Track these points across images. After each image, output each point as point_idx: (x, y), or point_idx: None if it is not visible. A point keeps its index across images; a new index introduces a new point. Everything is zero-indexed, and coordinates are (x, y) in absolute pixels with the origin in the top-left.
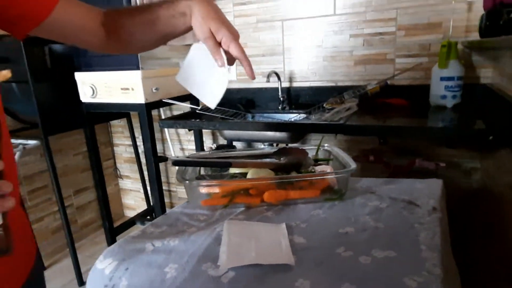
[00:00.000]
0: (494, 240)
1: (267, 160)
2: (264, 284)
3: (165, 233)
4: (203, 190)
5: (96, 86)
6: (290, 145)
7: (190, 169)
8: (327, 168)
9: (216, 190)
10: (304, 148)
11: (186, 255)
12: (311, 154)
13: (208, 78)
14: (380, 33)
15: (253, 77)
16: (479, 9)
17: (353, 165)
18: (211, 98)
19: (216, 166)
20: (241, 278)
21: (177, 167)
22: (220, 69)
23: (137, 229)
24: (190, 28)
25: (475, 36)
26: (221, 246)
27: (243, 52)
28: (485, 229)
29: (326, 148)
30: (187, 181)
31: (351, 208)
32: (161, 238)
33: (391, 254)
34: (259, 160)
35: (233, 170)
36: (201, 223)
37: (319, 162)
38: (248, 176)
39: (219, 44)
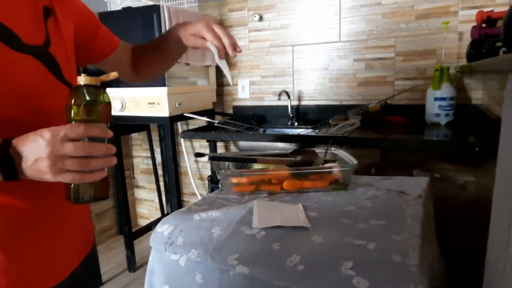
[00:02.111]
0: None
1: (285, 158)
2: (287, 239)
3: (207, 209)
4: (235, 180)
5: (125, 100)
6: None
7: (221, 163)
8: (333, 165)
9: (245, 179)
10: (314, 150)
11: (227, 221)
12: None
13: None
14: (381, 58)
15: (232, 53)
16: (469, 38)
17: (355, 161)
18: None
19: (244, 162)
20: (270, 235)
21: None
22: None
23: None
24: (186, 48)
25: (465, 62)
26: (253, 215)
27: (213, 34)
28: (479, 239)
29: (332, 151)
30: (222, 171)
31: (353, 195)
32: (204, 211)
33: (383, 223)
34: (278, 158)
35: (256, 166)
36: (234, 203)
37: (327, 162)
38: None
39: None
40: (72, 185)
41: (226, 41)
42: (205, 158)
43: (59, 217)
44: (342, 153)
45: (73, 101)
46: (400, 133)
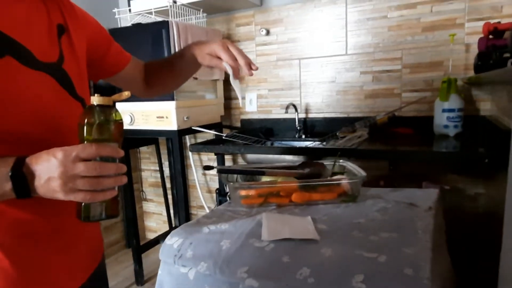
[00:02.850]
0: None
1: (293, 170)
2: (297, 251)
3: (216, 221)
4: (243, 192)
5: (134, 115)
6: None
7: (229, 176)
8: (341, 178)
9: (253, 192)
10: (322, 162)
11: (236, 233)
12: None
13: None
14: (387, 71)
15: (249, 73)
16: (476, 50)
17: (363, 173)
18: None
19: (252, 174)
20: (279, 248)
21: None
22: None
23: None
24: (199, 66)
25: (473, 73)
26: (262, 227)
27: (229, 55)
28: (491, 252)
29: (341, 163)
30: (231, 183)
31: (362, 207)
32: (213, 224)
33: (394, 235)
34: (286, 170)
35: (265, 178)
36: (243, 216)
37: (335, 174)
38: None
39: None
40: (82, 204)
41: (241, 61)
42: (214, 171)
43: (70, 232)
44: (350, 165)
45: (86, 120)
46: (409, 145)
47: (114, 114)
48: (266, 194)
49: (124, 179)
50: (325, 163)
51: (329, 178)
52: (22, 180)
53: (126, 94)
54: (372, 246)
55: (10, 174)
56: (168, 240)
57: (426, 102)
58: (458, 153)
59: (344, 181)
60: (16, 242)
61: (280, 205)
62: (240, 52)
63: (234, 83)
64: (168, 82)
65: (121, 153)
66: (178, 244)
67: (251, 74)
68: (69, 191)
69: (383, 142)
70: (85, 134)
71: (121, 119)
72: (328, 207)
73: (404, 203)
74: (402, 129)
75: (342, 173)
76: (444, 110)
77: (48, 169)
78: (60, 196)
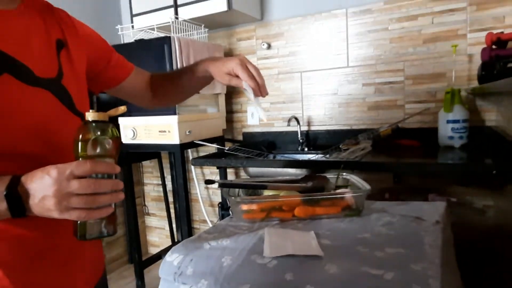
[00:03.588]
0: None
1: (296, 184)
2: (300, 268)
3: (217, 237)
4: (245, 207)
5: (136, 129)
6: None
7: (231, 190)
8: (345, 191)
9: (255, 206)
10: (325, 175)
11: (238, 250)
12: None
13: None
14: (390, 82)
15: (262, 95)
16: (478, 61)
17: (368, 186)
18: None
19: (254, 188)
20: (282, 265)
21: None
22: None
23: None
24: (210, 81)
25: (476, 83)
26: (264, 243)
27: (246, 73)
28: (501, 267)
29: (344, 176)
30: (233, 198)
31: (367, 222)
32: (215, 239)
33: (401, 251)
34: (289, 184)
35: (267, 192)
36: (245, 231)
37: (338, 187)
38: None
39: (238, 79)
40: (78, 222)
41: (260, 81)
42: (216, 185)
43: (70, 249)
44: (354, 178)
45: (80, 136)
46: (414, 157)
47: (110, 130)
48: (269, 209)
49: (121, 196)
50: (328, 176)
51: (332, 191)
52: (17, 199)
53: (122, 109)
54: (378, 263)
55: (5, 193)
56: (168, 257)
57: (430, 114)
58: (465, 165)
59: (348, 194)
60: (15, 259)
61: (282, 220)
62: (258, 71)
63: (256, 101)
64: (175, 94)
65: (117, 169)
66: (179, 261)
67: (264, 96)
68: (64, 209)
69: (387, 154)
70: (80, 151)
71: (117, 135)
72: (332, 222)
73: (410, 217)
74: (406, 141)
75: (345, 186)
76: (448, 121)
77: (42, 188)
78: (55, 214)
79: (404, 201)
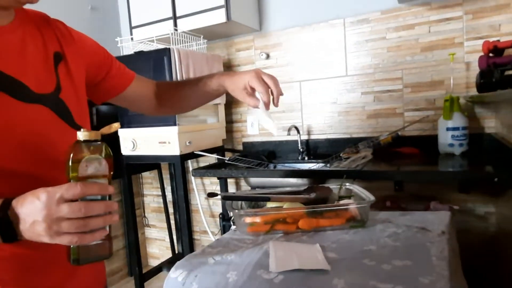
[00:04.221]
0: None
1: (299, 195)
2: (307, 283)
3: (221, 251)
4: (249, 220)
5: (136, 140)
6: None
7: (234, 202)
8: (349, 202)
9: (259, 219)
10: (328, 186)
11: (243, 264)
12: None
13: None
14: (389, 91)
15: (275, 105)
16: (476, 68)
17: (372, 197)
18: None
19: (257, 200)
20: (289, 280)
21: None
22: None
23: (164, 275)
24: (221, 95)
25: (475, 91)
26: (269, 258)
27: (262, 85)
28: (503, 273)
29: (347, 186)
30: (236, 211)
31: (372, 233)
32: (219, 254)
33: (408, 263)
34: (292, 195)
35: (270, 204)
36: (249, 244)
37: (342, 198)
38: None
39: (253, 96)
40: (71, 246)
41: (275, 93)
42: (218, 196)
43: (69, 264)
44: (357, 188)
45: (71, 156)
46: (415, 165)
47: (102, 149)
48: (273, 221)
49: (115, 218)
50: (331, 186)
51: (336, 203)
52: (8, 224)
53: (116, 126)
54: (386, 276)
55: None
56: (172, 273)
57: (429, 121)
58: (467, 172)
59: (352, 205)
60: (15, 276)
61: (287, 232)
62: (275, 81)
63: (266, 114)
64: (184, 104)
65: (111, 190)
66: (183, 277)
67: (277, 106)
68: (54, 234)
69: (388, 163)
70: (71, 172)
71: (111, 154)
72: (337, 233)
73: (415, 228)
74: (406, 149)
75: (349, 197)
76: (448, 129)
77: (32, 212)
78: (46, 239)
79: (405, 208)
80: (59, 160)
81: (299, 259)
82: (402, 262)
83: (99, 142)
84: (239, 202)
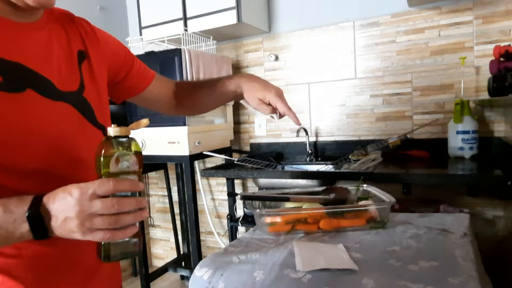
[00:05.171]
0: None
1: (318, 196)
2: (336, 282)
3: (244, 251)
4: (269, 219)
5: (145, 140)
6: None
7: (253, 202)
8: (369, 203)
9: (280, 219)
10: (346, 187)
11: (269, 264)
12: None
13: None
14: (398, 94)
15: (298, 123)
16: (486, 72)
17: (392, 199)
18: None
19: (277, 200)
20: (317, 279)
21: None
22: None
23: (169, 276)
24: (239, 98)
25: (485, 95)
26: (295, 257)
27: (286, 106)
28: None
29: (365, 188)
30: (257, 210)
31: (394, 234)
32: (243, 253)
33: (434, 264)
34: (311, 196)
35: (289, 205)
36: (271, 244)
37: (360, 199)
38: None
39: (269, 105)
40: (102, 243)
41: (293, 114)
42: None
43: (89, 266)
44: (375, 189)
45: (103, 153)
46: (425, 167)
47: (132, 145)
48: (293, 221)
49: (145, 214)
50: (348, 187)
51: (355, 203)
52: (40, 221)
53: (145, 122)
54: (415, 276)
55: (27, 214)
56: (198, 271)
57: (439, 124)
58: (478, 176)
59: (374, 206)
60: (36, 276)
61: (308, 233)
62: (287, 106)
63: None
64: (201, 104)
65: (141, 186)
66: (209, 276)
67: (299, 124)
68: (87, 231)
69: (397, 165)
70: (102, 168)
71: (140, 150)
72: (358, 234)
73: (436, 230)
74: (416, 152)
75: (366, 198)
76: (458, 132)
77: (65, 209)
78: (78, 236)
79: (414, 212)
80: (81, 158)
81: (325, 258)
82: (428, 263)
83: (129, 138)
84: (256, 202)
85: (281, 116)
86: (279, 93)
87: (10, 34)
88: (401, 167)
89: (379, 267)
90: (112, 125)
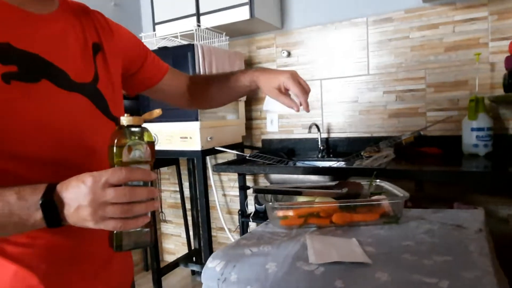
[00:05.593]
0: None
1: (331, 190)
2: (349, 276)
3: (257, 243)
4: (281, 213)
5: (158, 135)
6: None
7: (266, 196)
8: (382, 198)
9: (292, 213)
10: (359, 182)
11: (282, 256)
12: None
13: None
14: (411, 90)
15: (306, 109)
16: (501, 69)
17: (406, 194)
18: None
19: (289, 194)
20: (330, 272)
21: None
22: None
23: (180, 271)
24: (254, 93)
25: (499, 92)
26: (308, 250)
27: (299, 87)
28: None
29: (378, 183)
30: (270, 203)
31: (407, 229)
32: (255, 246)
33: (449, 259)
34: (324, 190)
35: (301, 199)
36: (283, 237)
37: (373, 194)
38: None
39: (286, 93)
40: (114, 232)
41: (307, 98)
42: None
43: (102, 257)
44: (388, 184)
45: (115, 142)
46: (437, 165)
47: (145, 134)
48: (306, 215)
49: (157, 204)
50: (361, 182)
51: (370, 198)
52: (53, 209)
53: (158, 112)
54: (429, 271)
55: (40, 202)
56: (210, 263)
57: (452, 121)
58: (491, 173)
59: (387, 201)
60: (49, 266)
61: (320, 226)
62: (307, 85)
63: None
64: (214, 98)
65: (153, 176)
66: (221, 267)
67: (308, 111)
68: (99, 219)
69: (410, 162)
70: (115, 157)
71: (153, 140)
72: (371, 229)
73: (450, 225)
74: (429, 149)
75: (379, 193)
76: (473, 129)
77: (78, 197)
78: (90, 225)
79: (427, 208)
80: (94, 149)
81: (338, 252)
82: (442, 258)
83: (142, 128)
84: (268, 196)
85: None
86: (292, 75)
87: (27, 24)
88: (414, 164)
89: (392, 261)
90: (125, 115)
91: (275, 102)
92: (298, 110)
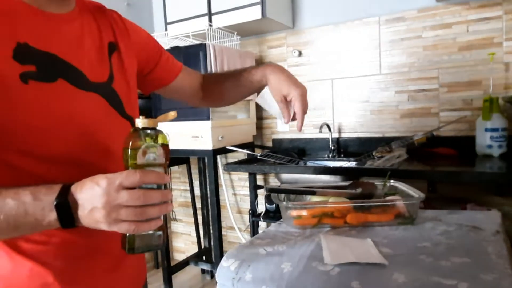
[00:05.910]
0: None
1: (345, 190)
2: (366, 276)
3: (271, 243)
4: (294, 213)
5: (169, 134)
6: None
7: (277, 195)
8: (397, 198)
9: (306, 212)
10: (373, 182)
11: (297, 256)
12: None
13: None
14: (424, 90)
15: (299, 129)
16: None
17: (422, 194)
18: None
19: (303, 194)
20: (346, 273)
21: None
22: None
23: (190, 269)
24: (262, 88)
25: None
26: (323, 250)
27: (302, 108)
28: None
29: (392, 183)
30: (284, 203)
31: (423, 230)
32: (270, 245)
33: (467, 260)
34: (338, 190)
35: (314, 198)
36: (297, 237)
37: (387, 194)
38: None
39: (288, 103)
40: (127, 235)
41: (300, 118)
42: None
43: (116, 254)
44: (403, 185)
45: (130, 144)
46: (452, 165)
47: (160, 137)
48: (320, 215)
49: (170, 207)
50: (375, 182)
51: (384, 198)
52: (67, 210)
53: (172, 114)
54: (447, 272)
55: (55, 203)
56: (224, 262)
57: (466, 122)
58: (505, 174)
59: (402, 201)
60: (65, 263)
61: (334, 227)
62: (307, 106)
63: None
64: (227, 95)
65: (166, 179)
66: (236, 266)
67: (299, 130)
68: (113, 222)
69: (423, 163)
70: (129, 160)
71: (167, 143)
72: (386, 230)
73: (467, 226)
74: (442, 149)
75: (393, 194)
76: (487, 130)
77: (92, 199)
78: (104, 227)
79: (455, 210)
80: (109, 149)
81: (354, 252)
82: (460, 260)
83: (157, 130)
84: (279, 196)
85: (293, 118)
86: (303, 93)
87: (45, 25)
88: (427, 165)
89: (409, 263)
90: (140, 117)
91: (271, 100)
92: (287, 122)
